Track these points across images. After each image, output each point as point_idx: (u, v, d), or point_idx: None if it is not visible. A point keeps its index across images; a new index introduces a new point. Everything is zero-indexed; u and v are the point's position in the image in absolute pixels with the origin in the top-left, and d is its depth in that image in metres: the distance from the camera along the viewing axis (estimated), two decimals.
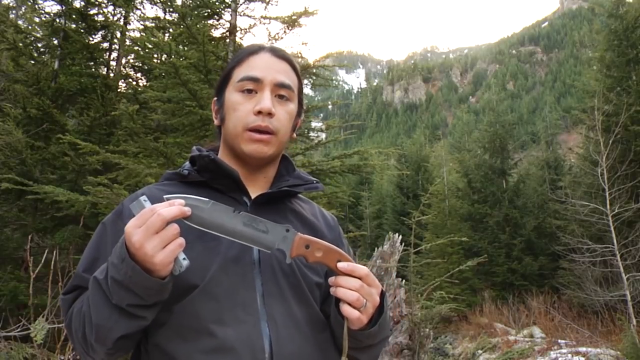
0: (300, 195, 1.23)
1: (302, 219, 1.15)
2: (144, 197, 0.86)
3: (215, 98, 1.17)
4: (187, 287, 0.94)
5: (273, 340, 0.93)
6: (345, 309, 0.92)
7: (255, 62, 1.10)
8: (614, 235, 9.96)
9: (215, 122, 1.16)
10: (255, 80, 1.07)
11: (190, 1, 6.51)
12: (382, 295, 0.99)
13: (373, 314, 0.97)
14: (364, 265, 1.26)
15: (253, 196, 1.08)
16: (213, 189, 1.08)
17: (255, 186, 1.12)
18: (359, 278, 0.93)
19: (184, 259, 0.85)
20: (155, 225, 0.81)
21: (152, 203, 1.05)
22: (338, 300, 0.95)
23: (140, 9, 8.28)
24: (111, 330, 0.88)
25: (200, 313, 0.93)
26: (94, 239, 1.05)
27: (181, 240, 0.84)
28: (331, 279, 0.95)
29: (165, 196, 0.87)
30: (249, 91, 1.07)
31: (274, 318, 0.96)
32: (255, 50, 1.13)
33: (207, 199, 0.88)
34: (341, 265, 0.92)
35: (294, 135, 1.19)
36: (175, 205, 0.84)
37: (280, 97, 1.08)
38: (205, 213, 0.87)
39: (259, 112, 1.04)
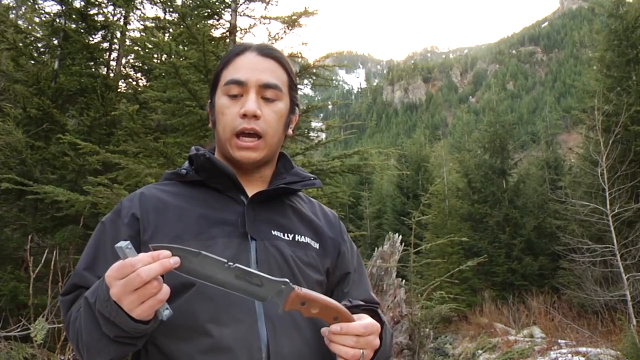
0: (300, 193, 1.22)
1: (302, 216, 1.14)
2: (127, 244, 0.81)
3: (209, 100, 1.17)
4: (183, 287, 0.94)
5: (270, 340, 0.93)
6: None
7: (240, 64, 1.08)
8: (614, 235, 9.95)
9: (210, 124, 1.16)
10: (239, 83, 1.06)
11: (190, 1, 6.51)
12: (382, 331, 0.97)
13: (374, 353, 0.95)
14: (365, 264, 1.26)
15: (250, 194, 1.08)
16: (211, 189, 1.08)
17: (253, 185, 1.12)
18: (355, 335, 0.90)
19: (165, 309, 0.83)
20: (133, 284, 0.78)
21: (150, 205, 1.04)
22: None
23: (140, 9, 8.28)
24: (101, 352, 0.88)
25: (196, 313, 0.93)
26: (93, 238, 1.05)
27: (162, 295, 0.81)
28: (324, 331, 0.92)
29: (150, 245, 0.82)
30: (235, 95, 1.06)
31: (271, 318, 0.95)
32: (240, 50, 1.11)
33: (196, 251, 0.83)
34: (334, 328, 0.89)
35: (291, 132, 1.17)
36: (158, 260, 0.79)
37: (267, 97, 1.07)
38: (194, 265, 0.83)
39: (244, 115, 1.04)
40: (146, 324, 0.84)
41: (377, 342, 0.94)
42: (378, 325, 0.95)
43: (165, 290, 0.81)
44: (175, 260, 0.80)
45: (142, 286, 0.78)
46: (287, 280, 0.86)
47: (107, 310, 0.81)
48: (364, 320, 0.92)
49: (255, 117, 1.04)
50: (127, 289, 0.78)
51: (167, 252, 0.80)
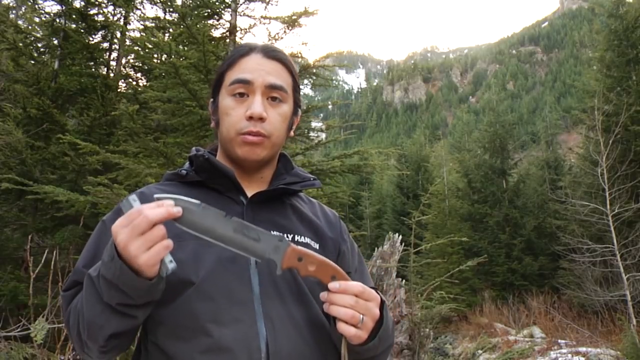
0: (300, 194, 1.22)
1: (301, 217, 1.14)
2: (133, 197, 0.84)
3: (211, 100, 1.16)
4: (182, 284, 0.94)
5: (270, 340, 0.93)
6: (341, 327, 0.90)
7: (246, 64, 1.08)
8: (614, 235, 9.96)
9: (212, 124, 1.16)
10: (246, 83, 1.06)
11: (190, 1, 6.51)
12: (382, 306, 0.96)
13: (374, 327, 0.94)
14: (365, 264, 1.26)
15: (250, 195, 1.08)
16: (210, 189, 1.08)
17: (253, 186, 1.12)
18: (354, 295, 0.90)
19: (170, 261, 0.83)
20: (140, 226, 0.79)
21: (149, 202, 1.04)
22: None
23: (140, 9, 8.29)
24: (102, 328, 0.88)
25: (196, 312, 0.93)
26: (93, 236, 1.06)
27: (167, 242, 0.82)
28: (323, 295, 0.92)
29: (155, 195, 0.85)
30: (241, 95, 1.06)
31: (270, 317, 0.95)
32: (246, 51, 1.11)
33: (197, 201, 0.85)
34: (332, 285, 0.89)
35: (292, 133, 1.18)
36: (163, 207, 0.81)
37: (273, 99, 1.07)
38: (195, 215, 0.84)
39: (250, 118, 1.04)
40: (150, 281, 0.84)
41: (377, 311, 0.94)
42: (377, 295, 0.94)
43: (170, 241, 0.83)
44: (178, 209, 0.82)
45: (148, 230, 0.80)
46: (283, 235, 0.88)
47: (111, 271, 0.82)
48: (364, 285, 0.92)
49: (261, 119, 1.04)
50: (134, 233, 0.80)
51: (171, 201, 0.83)
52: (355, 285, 0.90)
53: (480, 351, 9.35)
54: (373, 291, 0.94)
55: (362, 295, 0.91)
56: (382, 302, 0.97)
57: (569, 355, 8.04)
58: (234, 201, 1.07)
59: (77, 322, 0.92)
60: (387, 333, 1.00)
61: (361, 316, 0.89)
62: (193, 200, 0.85)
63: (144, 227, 0.79)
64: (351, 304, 0.89)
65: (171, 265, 0.83)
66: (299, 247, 0.89)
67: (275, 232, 1.06)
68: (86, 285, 0.89)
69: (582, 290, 11.57)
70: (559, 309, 12.53)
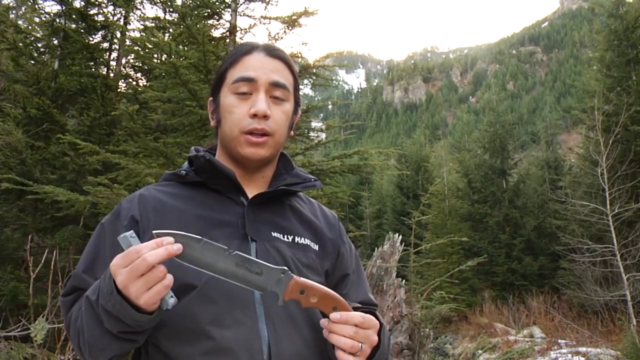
0: (300, 194, 1.22)
1: (301, 218, 1.14)
2: (130, 233, 0.82)
3: (211, 98, 1.16)
4: (184, 288, 0.94)
5: (271, 342, 0.93)
6: (341, 355, 0.90)
7: (249, 63, 1.08)
8: (614, 235, 9.95)
9: (212, 122, 1.15)
10: (250, 81, 1.05)
11: (190, 1, 6.51)
12: (380, 330, 0.97)
13: (371, 352, 0.95)
14: (365, 264, 1.26)
15: (251, 196, 1.07)
16: (210, 190, 1.08)
17: (254, 186, 1.11)
18: (354, 325, 0.90)
19: (170, 297, 0.83)
20: (139, 269, 0.78)
21: (149, 205, 1.04)
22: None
23: (140, 9, 8.28)
24: (103, 350, 0.88)
25: (197, 315, 0.93)
26: (92, 240, 1.05)
27: (167, 281, 0.81)
28: (323, 322, 0.93)
29: (154, 232, 0.82)
30: (244, 93, 1.06)
31: (272, 319, 0.95)
32: (248, 50, 1.11)
33: (198, 237, 0.83)
34: (333, 316, 0.90)
35: (292, 132, 1.18)
36: (162, 246, 0.80)
37: (276, 97, 1.07)
38: (195, 252, 0.83)
39: (255, 115, 1.03)
40: (150, 315, 0.84)
41: (376, 338, 0.94)
42: (376, 321, 0.95)
43: (170, 277, 0.82)
44: (178, 247, 0.81)
45: (148, 271, 0.79)
46: (286, 268, 0.87)
47: (111, 304, 0.81)
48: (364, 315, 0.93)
49: (266, 117, 1.04)
50: (133, 275, 0.79)
51: (171, 239, 0.81)
52: (356, 316, 0.91)
53: (480, 351, 9.35)
54: (373, 319, 0.94)
55: (362, 325, 0.91)
56: (381, 326, 0.98)
57: (569, 355, 8.04)
58: (234, 202, 1.07)
59: (77, 337, 0.92)
60: (384, 353, 1.01)
61: (360, 345, 0.90)
62: (193, 235, 0.83)
63: (143, 269, 0.78)
64: (351, 334, 0.89)
65: (172, 300, 0.83)
66: (302, 280, 0.89)
67: (276, 234, 1.06)
68: (85, 307, 0.89)
69: (582, 290, 11.56)
70: (559, 309, 12.53)
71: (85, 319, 0.88)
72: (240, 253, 0.85)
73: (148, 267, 0.78)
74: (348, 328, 0.90)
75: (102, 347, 0.88)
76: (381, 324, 0.98)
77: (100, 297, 0.84)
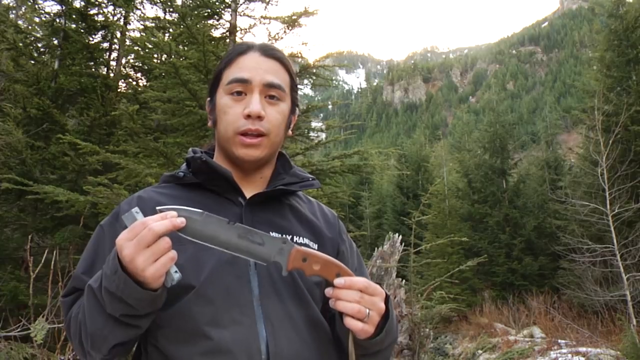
0: (299, 193, 1.21)
1: (300, 217, 1.14)
2: (136, 209, 0.84)
3: (209, 99, 1.16)
4: (182, 288, 0.93)
5: (270, 342, 0.93)
6: (348, 322, 0.90)
7: (244, 63, 1.07)
8: (614, 235, 9.96)
9: (209, 123, 1.15)
10: (244, 81, 1.05)
11: (190, 1, 6.51)
12: (387, 300, 0.96)
13: (379, 321, 0.94)
14: (365, 264, 1.26)
15: (249, 196, 1.07)
16: (208, 191, 1.08)
17: (252, 186, 1.11)
18: (359, 290, 0.90)
19: (175, 271, 0.84)
20: (146, 239, 0.79)
21: (148, 207, 1.04)
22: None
23: (140, 9, 8.29)
24: (106, 338, 0.88)
25: (196, 315, 0.93)
26: (92, 242, 1.05)
27: (173, 253, 0.82)
28: (328, 291, 0.92)
29: (157, 207, 0.84)
30: (238, 93, 1.05)
31: (270, 319, 0.95)
32: (243, 50, 1.10)
33: (200, 210, 0.85)
34: (337, 281, 0.89)
35: (290, 132, 1.18)
36: (167, 219, 0.81)
37: (271, 97, 1.07)
38: (198, 224, 0.84)
39: (248, 116, 1.03)
40: (154, 292, 0.84)
41: (383, 305, 0.93)
42: (382, 289, 0.95)
43: (175, 251, 0.83)
44: (182, 220, 0.82)
45: (154, 243, 0.80)
46: (287, 237, 0.89)
47: (115, 284, 0.82)
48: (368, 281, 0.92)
49: (260, 118, 1.04)
50: (140, 246, 0.80)
51: (174, 212, 0.83)
52: (360, 280, 0.91)
53: (480, 351, 9.35)
54: (377, 286, 0.94)
55: (367, 290, 0.91)
56: (387, 297, 0.97)
57: (569, 355, 8.04)
58: (233, 202, 1.07)
59: (78, 332, 0.92)
60: (392, 327, 1.00)
61: (367, 310, 0.90)
62: (195, 209, 0.85)
63: (150, 239, 0.79)
64: (356, 299, 0.89)
65: (176, 275, 0.84)
66: (303, 248, 0.90)
67: (275, 234, 1.06)
68: (87, 296, 0.89)
69: (582, 290, 11.57)
70: (559, 309, 12.53)
71: (87, 308, 0.88)
72: (242, 225, 0.87)
73: (155, 237, 0.79)
74: (353, 293, 0.89)
75: (104, 335, 0.87)
76: (387, 295, 0.98)
77: (103, 280, 0.85)
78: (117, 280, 0.82)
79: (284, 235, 1.05)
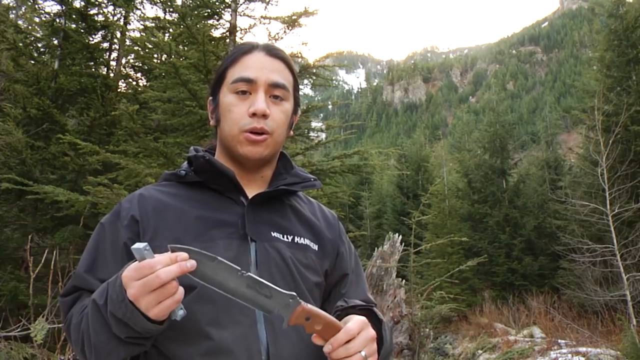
0: (300, 194, 1.21)
1: (301, 217, 1.14)
2: (145, 246, 0.81)
3: (210, 98, 1.16)
4: (185, 289, 0.93)
5: (270, 342, 0.93)
6: None
7: (249, 62, 1.08)
8: (614, 235, 9.96)
9: (211, 122, 1.15)
10: (249, 81, 1.05)
11: (190, 1, 6.51)
12: (381, 325, 0.96)
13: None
14: (365, 265, 1.26)
15: (250, 195, 1.07)
16: (210, 190, 1.08)
17: (253, 186, 1.11)
18: (349, 340, 0.87)
19: (180, 309, 0.83)
20: (152, 284, 0.78)
21: (149, 205, 1.03)
22: None
23: (140, 9, 8.29)
24: (110, 354, 0.88)
25: (196, 315, 0.93)
26: (92, 240, 1.05)
27: (178, 296, 0.82)
28: (327, 350, 0.88)
29: (169, 245, 0.82)
30: (243, 92, 1.06)
31: (270, 319, 0.95)
32: (248, 49, 1.11)
33: (213, 255, 0.83)
34: (326, 349, 0.87)
35: (291, 132, 1.18)
36: (177, 262, 0.80)
37: (275, 97, 1.07)
38: (208, 270, 0.83)
39: (254, 114, 1.03)
40: (160, 324, 0.84)
41: (373, 333, 0.91)
42: (366, 320, 0.92)
43: (181, 290, 0.82)
44: (192, 264, 0.80)
45: (160, 287, 0.79)
46: (295, 294, 0.86)
47: (122, 312, 0.81)
48: (349, 323, 0.89)
49: (265, 116, 1.04)
50: (145, 290, 0.78)
51: (185, 255, 0.81)
52: (344, 333, 0.87)
53: (480, 351, 9.35)
54: (361, 320, 0.90)
55: (352, 335, 0.87)
56: (381, 323, 0.97)
57: (569, 355, 8.04)
58: (234, 202, 1.07)
59: (81, 340, 0.91)
60: (387, 348, 1.00)
61: (363, 353, 0.87)
62: (208, 253, 0.83)
63: (156, 285, 0.78)
64: (350, 351, 0.86)
65: (180, 312, 0.84)
66: (309, 307, 0.87)
67: (276, 234, 1.05)
68: (92, 311, 0.88)
69: (582, 290, 11.56)
70: (559, 309, 12.52)
71: (92, 323, 0.88)
72: (253, 275, 0.85)
73: (161, 284, 0.78)
74: (343, 348, 0.86)
75: (109, 350, 0.87)
76: (381, 321, 0.97)
77: (109, 304, 0.83)
78: (123, 308, 0.81)
79: (287, 237, 1.05)
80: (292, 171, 1.18)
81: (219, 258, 0.83)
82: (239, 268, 0.84)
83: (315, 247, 1.10)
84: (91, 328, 0.88)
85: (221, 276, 0.84)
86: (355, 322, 0.90)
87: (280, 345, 0.94)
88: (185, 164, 1.14)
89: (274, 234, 1.05)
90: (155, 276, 0.78)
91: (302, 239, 1.09)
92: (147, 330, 0.83)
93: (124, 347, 0.87)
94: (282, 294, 0.86)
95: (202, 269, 0.83)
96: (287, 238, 1.07)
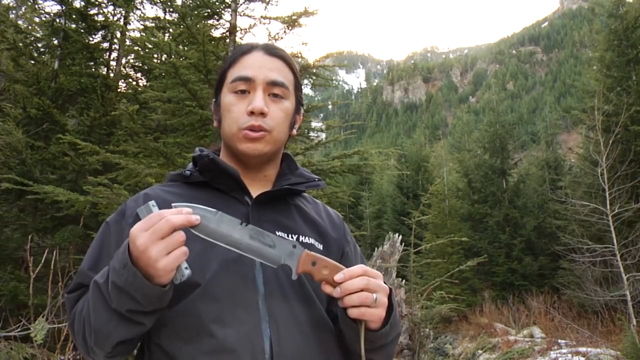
0: (304, 194, 1.22)
1: (306, 217, 1.14)
2: (152, 202, 0.85)
3: (214, 100, 1.17)
4: (188, 286, 0.93)
5: (273, 341, 0.93)
6: (359, 312, 0.89)
7: (248, 62, 1.09)
8: (614, 235, 9.96)
9: (215, 123, 1.16)
10: (247, 80, 1.06)
11: (190, 1, 6.51)
12: (390, 294, 0.97)
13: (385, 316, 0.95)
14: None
15: (254, 195, 1.08)
16: (215, 189, 1.08)
17: (257, 186, 1.12)
18: (360, 276, 0.90)
19: (186, 268, 0.84)
20: (162, 230, 0.80)
21: (157, 204, 1.05)
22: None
23: (140, 9, 8.29)
24: (110, 335, 0.88)
25: (200, 313, 0.93)
26: (97, 238, 1.06)
27: (186, 249, 0.83)
28: (337, 291, 0.90)
29: (173, 204, 0.86)
30: (242, 91, 1.07)
31: (275, 318, 0.95)
32: (247, 49, 1.12)
33: (214, 210, 0.87)
34: (338, 277, 0.89)
35: (294, 132, 1.18)
36: (183, 213, 0.83)
37: (274, 95, 1.08)
38: (212, 223, 0.86)
39: (252, 113, 1.04)
40: (162, 288, 0.84)
41: (386, 286, 0.94)
42: (379, 273, 0.95)
43: (186, 248, 0.84)
44: (197, 217, 0.84)
45: (169, 234, 0.80)
46: (296, 241, 0.90)
47: (124, 278, 0.82)
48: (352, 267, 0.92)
49: (262, 114, 1.05)
50: (155, 237, 0.80)
51: (189, 209, 0.84)
52: (358, 268, 0.91)
53: (480, 351, 9.35)
54: (375, 271, 0.95)
55: (368, 274, 0.91)
56: (390, 291, 0.97)
57: (569, 355, 8.04)
58: (239, 201, 1.07)
59: (82, 327, 0.92)
60: (396, 320, 1.01)
61: (374, 295, 0.90)
62: (209, 208, 0.87)
63: (166, 231, 0.80)
64: (361, 286, 0.89)
65: (187, 272, 0.85)
66: (313, 252, 0.90)
67: (281, 233, 1.06)
68: (93, 292, 0.89)
69: (582, 290, 11.57)
70: (559, 309, 12.53)
71: (92, 303, 0.88)
72: (254, 226, 0.88)
73: (171, 229, 0.80)
74: (357, 281, 0.89)
75: (108, 331, 0.87)
76: (390, 289, 0.98)
77: (110, 274, 0.85)
78: (126, 273, 0.82)
79: (292, 237, 1.06)
80: (296, 172, 1.18)
81: (220, 212, 0.87)
82: (240, 220, 0.88)
83: (320, 247, 1.11)
84: (92, 309, 0.89)
85: (224, 229, 0.87)
86: (373, 270, 0.93)
87: (285, 344, 0.94)
88: (190, 165, 1.14)
89: (279, 233, 1.05)
90: (164, 221, 0.80)
91: (306, 238, 1.09)
92: (148, 295, 0.83)
93: (124, 325, 0.87)
94: (285, 240, 0.90)
95: (206, 223, 0.86)
96: (292, 237, 1.07)
